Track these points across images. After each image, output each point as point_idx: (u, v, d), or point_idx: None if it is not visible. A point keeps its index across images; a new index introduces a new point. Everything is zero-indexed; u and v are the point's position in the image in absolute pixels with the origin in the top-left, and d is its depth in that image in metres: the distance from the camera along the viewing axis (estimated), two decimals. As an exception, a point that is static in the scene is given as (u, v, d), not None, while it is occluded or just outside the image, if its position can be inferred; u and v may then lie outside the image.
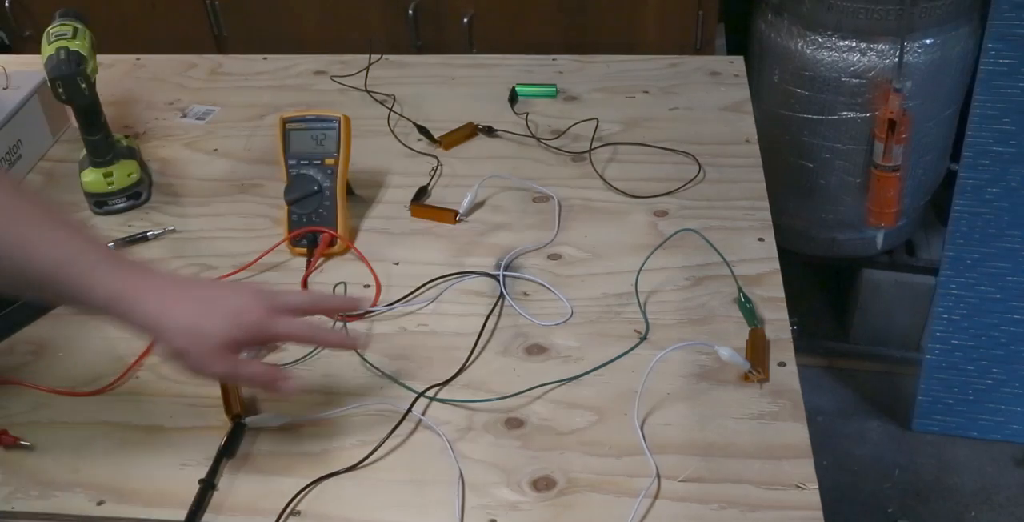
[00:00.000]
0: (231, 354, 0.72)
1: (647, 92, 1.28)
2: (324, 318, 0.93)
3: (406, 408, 0.83)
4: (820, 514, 0.73)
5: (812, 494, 0.74)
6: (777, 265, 0.97)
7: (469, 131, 1.21)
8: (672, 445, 0.79)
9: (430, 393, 0.85)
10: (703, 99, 1.25)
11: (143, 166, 1.14)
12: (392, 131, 1.21)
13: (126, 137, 1.18)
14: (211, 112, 1.29)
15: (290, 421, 0.83)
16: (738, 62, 1.33)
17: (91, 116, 1.07)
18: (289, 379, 0.73)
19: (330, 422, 0.84)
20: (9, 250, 0.66)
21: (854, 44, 1.58)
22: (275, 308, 0.73)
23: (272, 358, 0.90)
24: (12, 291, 0.70)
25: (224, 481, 0.79)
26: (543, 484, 0.77)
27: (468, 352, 0.89)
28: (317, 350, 0.91)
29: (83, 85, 1.03)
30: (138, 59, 1.43)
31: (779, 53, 1.65)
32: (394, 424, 0.82)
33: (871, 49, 1.57)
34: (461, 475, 0.78)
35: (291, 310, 0.74)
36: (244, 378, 0.76)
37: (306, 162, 1.03)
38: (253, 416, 0.84)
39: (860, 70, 1.58)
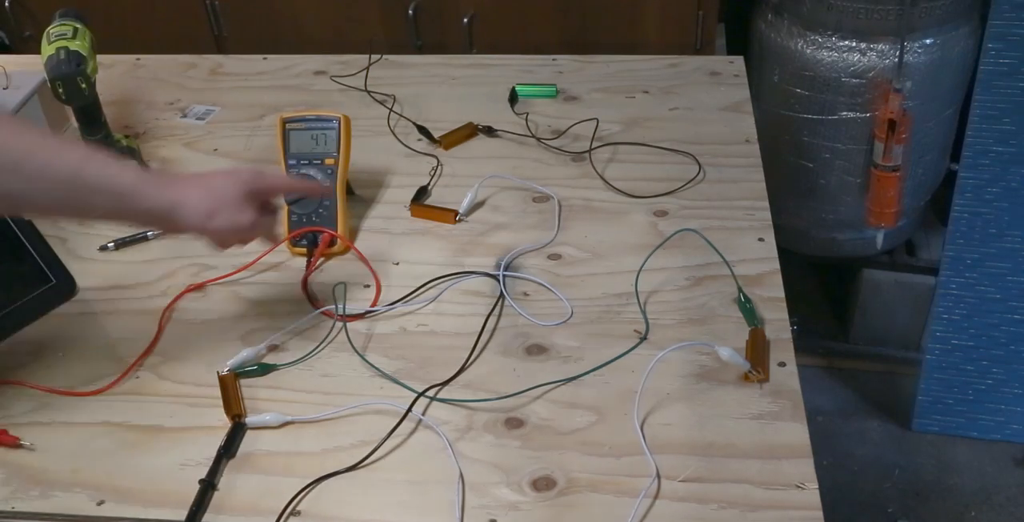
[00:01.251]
0: (248, 205, 0.83)
1: (647, 92, 1.28)
2: (325, 317, 0.93)
3: (406, 408, 0.83)
4: (820, 514, 0.73)
5: (812, 494, 0.74)
6: (777, 265, 0.97)
7: (469, 131, 1.21)
8: (672, 445, 0.79)
9: (430, 393, 0.85)
10: (703, 99, 1.25)
11: (143, 166, 1.14)
12: (392, 131, 1.21)
13: (126, 137, 1.18)
14: (211, 112, 1.29)
15: (290, 421, 0.83)
16: (738, 62, 1.34)
17: (91, 116, 1.08)
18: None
19: (330, 422, 0.84)
20: (29, 157, 0.72)
21: (854, 44, 1.58)
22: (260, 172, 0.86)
23: (272, 358, 0.90)
24: (33, 204, 0.77)
25: (224, 481, 0.79)
26: (543, 484, 0.77)
27: (468, 352, 0.89)
28: (317, 350, 0.91)
29: (83, 85, 1.03)
30: (138, 59, 1.43)
31: (779, 53, 1.65)
32: (394, 424, 0.82)
33: (871, 49, 1.57)
34: (461, 475, 0.78)
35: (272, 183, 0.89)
36: (268, 224, 0.88)
37: (306, 162, 1.03)
38: (253, 416, 0.84)
39: (860, 70, 1.58)
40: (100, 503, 0.78)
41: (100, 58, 1.09)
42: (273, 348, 0.92)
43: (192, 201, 0.79)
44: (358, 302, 0.96)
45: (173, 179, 0.81)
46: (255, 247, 1.02)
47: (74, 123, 1.13)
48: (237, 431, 0.82)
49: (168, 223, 0.80)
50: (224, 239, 0.85)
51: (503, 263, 0.99)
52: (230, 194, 0.82)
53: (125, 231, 1.07)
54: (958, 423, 1.81)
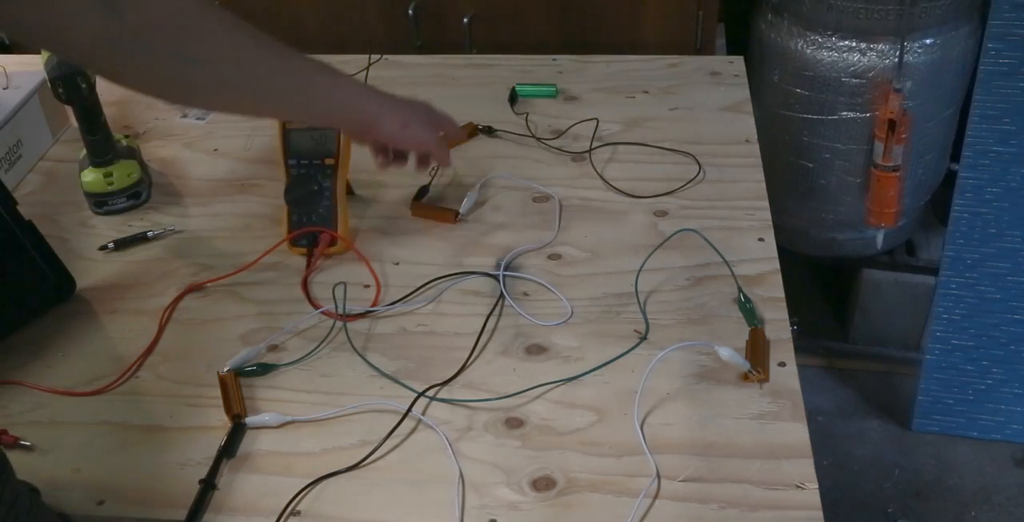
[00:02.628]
0: (431, 127, 0.97)
1: (647, 92, 1.28)
2: (326, 317, 0.94)
3: (406, 408, 0.83)
4: (820, 514, 0.73)
5: (812, 494, 0.74)
6: (777, 265, 0.97)
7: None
8: (672, 445, 0.79)
9: (430, 393, 0.85)
10: (703, 99, 1.25)
11: (143, 166, 1.14)
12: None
13: (126, 137, 1.18)
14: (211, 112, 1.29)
15: (290, 421, 0.83)
16: (738, 62, 1.34)
17: (91, 116, 1.07)
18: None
19: (330, 422, 0.84)
20: (267, 76, 0.83)
21: (854, 44, 1.58)
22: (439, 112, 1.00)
23: (272, 358, 0.90)
24: (251, 110, 0.92)
25: (224, 481, 0.79)
26: (543, 484, 0.77)
27: (468, 352, 0.89)
28: (317, 350, 0.91)
29: (83, 85, 1.03)
30: (138, 59, 1.42)
31: (779, 53, 1.65)
32: (394, 424, 0.82)
33: (871, 49, 1.57)
34: (461, 475, 0.78)
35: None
36: (443, 145, 1.00)
37: (306, 162, 1.03)
38: (253, 416, 0.84)
39: (860, 70, 1.58)
40: (100, 503, 0.78)
41: (100, 58, 1.09)
42: (273, 348, 0.92)
43: (390, 114, 0.93)
44: (358, 302, 0.96)
45: (377, 93, 0.93)
46: (255, 247, 1.02)
47: (74, 123, 1.13)
48: (237, 431, 0.82)
49: (368, 130, 0.94)
50: (410, 145, 0.99)
51: (503, 263, 0.99)
52: (420, 113, 0.96)
53: (125, 231, 1.07)
54: (958, 423, 1.81)
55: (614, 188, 1.09)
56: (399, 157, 1.01)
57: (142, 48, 0.74)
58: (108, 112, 1.11)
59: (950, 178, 1.72)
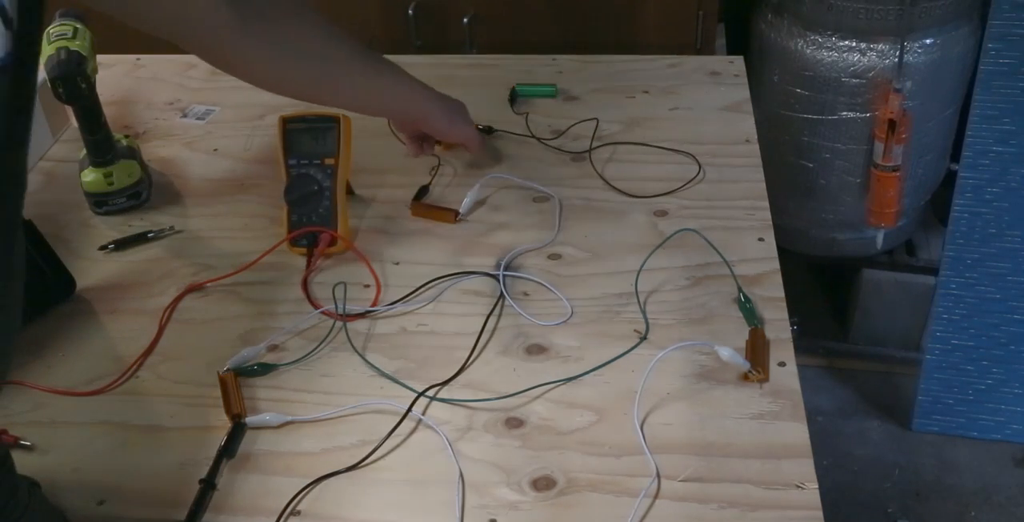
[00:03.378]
0: (469, 123, 1.11)
1: (647, 92, 1.28)
2: (326, 317, 0.94)
3: (406, 408, 0.83)
4: (820, 514, 0.73)
5: (812, 494, 0.74)
6: (777, 265, 0.97)
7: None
8: (672, 445, 0.79)
9: (430, 393, 0.85)
10: (703, 99, 1.25)
11: (143, 166, 1.14)
12: (392, 131, 1.21)
13: (126, 137, 1.18)
14: (211, 112, 1.29)
15: (290, 421, 0.83)
16: (738, 62, 1.33)
17: (91, 116, 1.07)
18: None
19: (330, 422, 0.84)
20: (361, 84, 1.01)
21: (854, 44, 1.58)
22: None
23: (272, 358, 0.90)
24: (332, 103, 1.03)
25: (224, 481, 0.79)
26: (543, 484, 0.77)
27: (468, 352, 0.89)
28: (317, 350, 0.91)
29: (83, 85, 1.03)
30: (138, 59, 1.43)
31: (779, 53, 1.65)
32: (394, 424, 0.82)
33: (871, 49, 1.57)
34: (461, 475, 0.78)
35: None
36: (481, 138, 1.14)
37: (306, 162, 1.03)
38: (253, 416, 0.84)
39: (860, 70, 1.58)
40: (100, 503, 0.78)
41: (100, 58, 1.09)
42: (273, 348, 0.92)
43: (440, 111, 1.07)
44: (358, 302, 0.96)
45: (429, 91, 1.06)
46: (255, 247, 1.02)
47: (74, 123, 1.13)
48: (237, 431, 0.82)
49: (418, 123, 1.08)
50: (454, 138, 1.12)
51: (503, 263, 0.99)
52: (463, 111, 1.10)
53: (125, 231, 1.07)
54: (958, 423, 1.81)
55: (614, 188, 1.09)
56: (429, 146, 1.13)
57: (254, 41, 0.88)
58: (108, 112, 1.11)
59: (950, 178, 1.72)
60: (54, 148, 1.24)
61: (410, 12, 1.56)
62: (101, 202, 1.10)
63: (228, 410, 0.84)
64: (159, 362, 0.91)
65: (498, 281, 0.97)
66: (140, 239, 1.06)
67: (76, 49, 1.03)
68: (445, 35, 1.59)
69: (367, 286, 0.98)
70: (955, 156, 1.67)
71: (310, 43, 0.95)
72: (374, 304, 0.96)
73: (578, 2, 1.55)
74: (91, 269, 1.02)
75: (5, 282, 0.56)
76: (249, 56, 0.91)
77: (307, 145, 1.03)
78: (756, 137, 1.17)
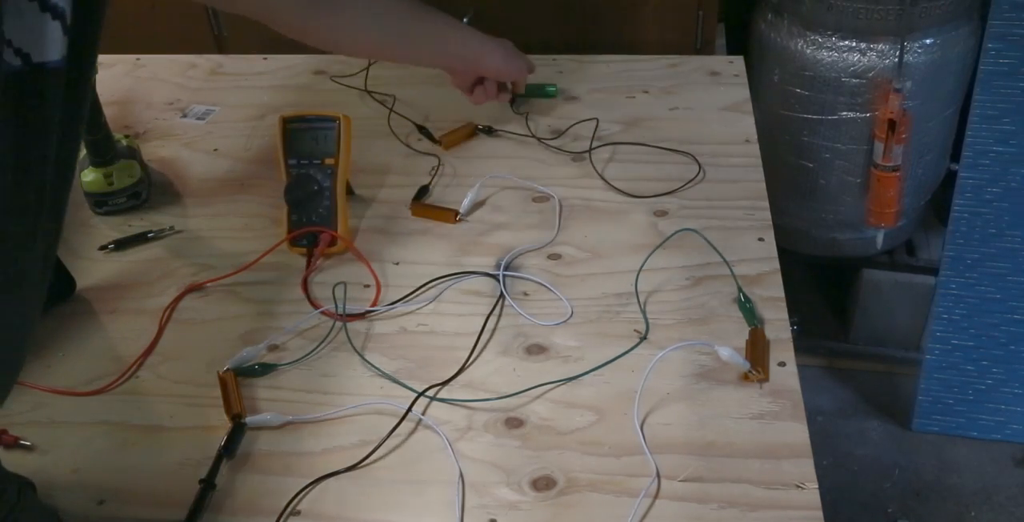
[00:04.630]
0: (522, 61, 1.20)
1: (647, 92, 1.28)
2: (326, 317, 0.94)
3: (406, 408, 0.83)
4: (820, 514, 0.73)
5: (812, 494, 0.74)
6: (777, 265, 0.97)
7: (469, 131, 1.21)
8: (672, 445, 0.79)
9: (430, 393, 0.85)
10: (703, 99, 1.25)
11: (143, 166, 1.14)
12: (392, 131, 1.21)
13: (126, 137, 1.18)
14: (211, 112, 1.29)
15: (290, 421, 0.83)
16: (738, 62, 1.33)
17: (91, 116, 1.07)
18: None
19: (330, 422, 0.84)
20: (422, 33, 1.11)
21: (854, 44, 1.58)
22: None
23: (272, 358, 0.90)
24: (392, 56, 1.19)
25: (224, 481, 0.79)
26: (543, 484, 0.77)
27: (468, 352, 0.89)
28: (317, 350, 0.91)
29: (83, 85, 1.03)
30: (138, 59, 1.43)
31: (779, 53, 1.65)
32: (394, 424, 0.82)
33: (871, 49, 1.57)
34: (461, 475, 0.78)
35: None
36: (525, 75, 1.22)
37: (306, 162, 1.03)
38: (253, 416, 0.84)
39: (860, 70, 1.58)
40: (100, 503, 0.78)
41: (100, 58, 1.08)
42: (273, 348, 0.92)
43: (492, 51, 1.14)
44: (358, 302, 0.96)
45: (480, 35, 1.14)
46: (255, 247, 1.02)
47: (74, 123, 1.13)
48: (237, 431, 0.82)
49: (476, 64, 1.15)
50: (510, 75, 1.19)
51: (503, 263, 0.99)
52: (511, 47, 1.17)
53: (125, 231, 1.07)
54: (958, 423, 1.81)
55: (614, 188, 1.09)
56: (492, 91, 1.18)
57: (325, 15, 1.00)
58: (108, 112, 1.11)
59: (950, 178, 1.72)
60: (54, 148, 1.24)
61: (410, 12, 1.56)
62: (101, 202, 1.10)
63: (228, 410, 0.84)
64: (159, 362, 0.91)
65: (498, 281, 0.97)
66: (140, 239, 1.06)
67: (76, 49, 1.02)
68: (445, 35, 1.59)
69: (367, 286, 0.98)
70: (955, 156, 1.67)
71: (373, 6, 1.05)
72: (374, 304, 0.96)
73: (578, 2, 1.55)
74: (91, 269, 1.02)
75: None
76: (322, 30, 1.02)
77: (307, 145, 1.03)
78: (756, 137, 1.17)
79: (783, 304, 0.92)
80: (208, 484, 0.78)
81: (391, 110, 1.26)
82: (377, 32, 1.07)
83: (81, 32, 0.51)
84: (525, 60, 1.19)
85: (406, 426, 0.82)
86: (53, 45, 0.50)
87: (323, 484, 0.78)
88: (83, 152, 1.11)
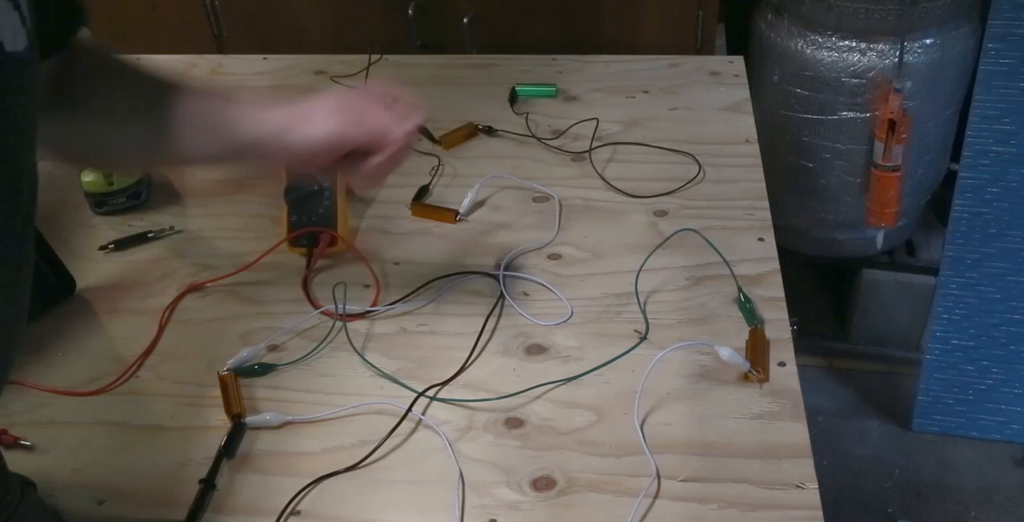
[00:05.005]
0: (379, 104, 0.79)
1: (647, 92, 1.28)
2: (326, 317, 0.94)
3: (406, 408, 0.83)
4: (820, 514, 0.73)
5: (812, 494, 0.74)
6: (777, 265, 0.97)
7: (469, 131, 1.21)
8: (672, 445, 0.79)
9: (430, 393, 0.85)
10: (703, 99, 1.25)
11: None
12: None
13: (126, 137, 1.18)
14: (211, 112, 1.29)
15: (290, 421, 0.83)
16: (738, 62, 1.33)
17: (91, 116, 1.07)
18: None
19: (330, 422, 0.84)
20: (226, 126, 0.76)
21: (854, 44, 1.58)
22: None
23: (272, 358, 0.90)
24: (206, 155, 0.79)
25: (224, 481, 0.79)
26: (543, 484, 0.77)
27: (468, 352, 0.89)
28: (317, 350, 0.91)
29: (83, 85, 1.03)
30: (138, 59, 1.42)
31: (779, 53, 1.65)
32: (394, 424, 0.82)
33: (871, 49, 1.57)
34: (461, 475, 0.78)
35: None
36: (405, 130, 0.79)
37: (306, 162, 1.03)
38: (253, 416, 0.84)
39: (860, 70, 1.58)
40: (100, 503, 0.78)
41: (100, 58, 1.09)
42: (273, 348, 0.92)
43: (309, 111, 0.77)
44: (358, 302, 0.96)
45: (282, 102, 0.79)
46: (255, 247, 1.02)
47: (74, 123, 1.13)
48: (237, 431, 0.82)
49: (289, 147, 0.76)
50: (364, 136, 0.78)
51: (503, 263, 0.99)
52: (345, 97, 0.81)
53: (125, 231, 1.07)
54: (958, 423, 1.81)
55: (614, 188, 1.09)
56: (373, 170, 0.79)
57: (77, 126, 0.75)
58: (108, 112, 1.10)
59: (950, 178, 1.72)
60: (54, 148, 1.24)
61: (410, 12, 1.56)
62: (101, 202, 1.10)
63: (228, 410, 0.84)
64: (159, 362, 0.91)
65: (498, 281, 0.97)
66: (140, 239, 1.06)
67: (76, 49, 1.02)
68: (445, 35, 1.59)
69: (367, 286, 0.98)
70: (955, 156, 1.67)
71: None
72: (374, 304, 0.96)
73: (578, 2, 1.55)
74: (91, 269, 1.02)
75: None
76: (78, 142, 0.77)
77: (307, 145, 1.03)
78: (756, 137, 1.17)
79: (783, 304, 0.92)
80: (208, 484, 0.78)
81: (391, 110, 1.25)
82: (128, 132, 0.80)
83: (34, 24, 0.52)
84: (380, 110, 0.79)
85: (406, 426, 0.82)
86: (18, 36, 0.50)
87: (323, 484, 0.78)
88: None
